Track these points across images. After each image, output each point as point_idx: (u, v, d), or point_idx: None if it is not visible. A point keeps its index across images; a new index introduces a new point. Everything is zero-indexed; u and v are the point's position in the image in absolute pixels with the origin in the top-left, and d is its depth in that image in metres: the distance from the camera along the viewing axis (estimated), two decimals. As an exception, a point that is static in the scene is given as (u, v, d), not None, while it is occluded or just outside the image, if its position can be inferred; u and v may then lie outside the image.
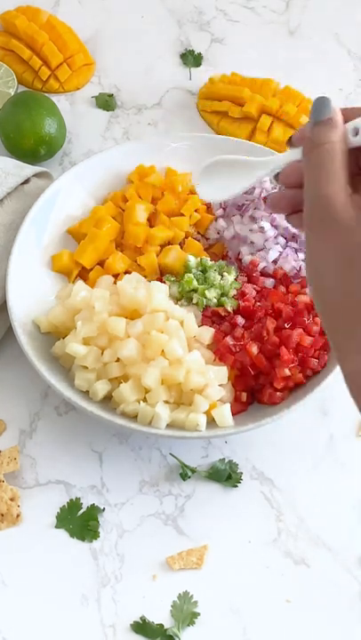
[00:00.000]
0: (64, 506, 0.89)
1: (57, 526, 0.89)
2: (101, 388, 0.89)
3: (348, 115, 0.58)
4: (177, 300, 0.96)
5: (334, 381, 0.91)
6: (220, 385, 0.89)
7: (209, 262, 0.97)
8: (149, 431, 0.86)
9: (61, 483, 0.91)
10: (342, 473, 0.93)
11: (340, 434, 0.95)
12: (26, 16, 1.21)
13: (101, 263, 1.00)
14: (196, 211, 1.03)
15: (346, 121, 0.57)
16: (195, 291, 0.96)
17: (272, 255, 0.98)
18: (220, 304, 0.95)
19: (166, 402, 0.88)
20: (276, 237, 1.00)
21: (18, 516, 0.88)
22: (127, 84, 1.22)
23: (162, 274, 0.99)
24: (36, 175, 1.05)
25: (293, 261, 0.98)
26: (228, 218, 1.04)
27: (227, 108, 1.15)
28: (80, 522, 0.89)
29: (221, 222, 1.03)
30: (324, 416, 0.96)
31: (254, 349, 0.90)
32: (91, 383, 0.89)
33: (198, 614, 0.84)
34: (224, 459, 0.92)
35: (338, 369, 0.89)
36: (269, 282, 0.97)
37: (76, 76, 1.21)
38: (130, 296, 0.91)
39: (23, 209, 1.01)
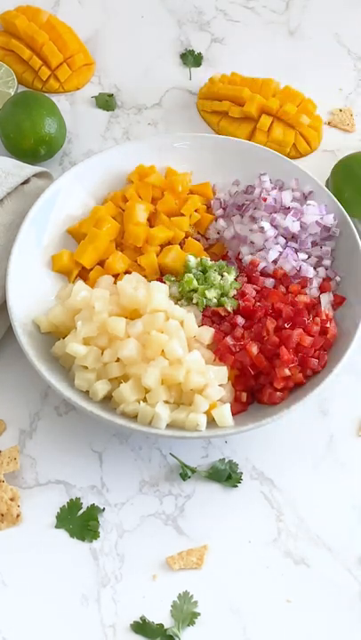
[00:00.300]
0: (64, 506, 0.89)
1: (57, 526, 0.89)
2: (101, 388, 0.89)
3: None
4: (177, 299, 0.96)
5: (334, 381, 0.92)
6: (220, 385, 0.89)
7: (209, 262, 0.97)
8: (149, 431, 0.86)
9: (61, 483, 0.91)
10: (342, 473, 0.93)
11: (340, 434, 0.95)
12: (26, 16, 1.21)
13: (101, 263, 1.00)
14: (196, 211, 1.03)
15: None
16: (195, 291, 0.96)
17: (272, 255, 0.98)
18: (220, 304, 0.95)
19: (166, 402, 0.88)
20: (276, 237, 1.00)
21: (18, 516, 0.88)
22: (127, 83, 1.22)
23: (162, 274, 0.99)
24: (36, 175, 1.05)
25: (293, 261, 0.98)
26: (228, 218, 1.04)
27: (227, 108, 1.15)
28: (80, 522, 0.89)
29: (221, 222, 1.03)
30: (324, 416, 0.96)
31: (254, 349, 0.90)
32: (91, 383, 0.89)
33: (198, 614, 0.84)
34: (224, 459, 0.92)
35: (338, 369, 0.89)
36: (269, 282, 0.97)
37: (76, 75, 1.21)
38: (130, 296, 0.91)
39: (23, 209, 1.01)
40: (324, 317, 0.94)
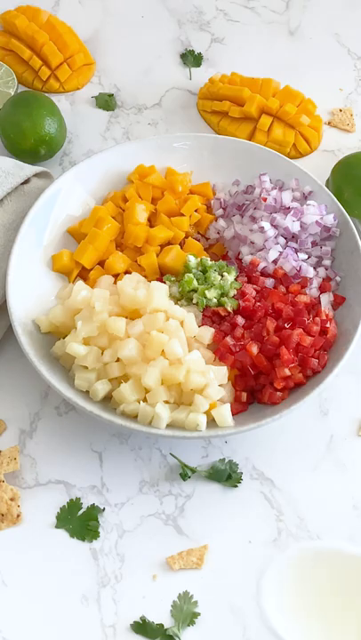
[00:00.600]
0: (64, 506, 0.89)
1: (57, 526, 0.89)
2: (101, 388, 0.89)
3: None
4: (177, 299, 0.96)
5: (334, 381, 0.92)
6: (220, 385, 0.89)
7: (209, 262, 0.97)
8: (149, 431, 0.86)
9: (61, 483, 0.91)
10: (342, 473, 0.93)
11: (340, 434, 0.95)
12: (26, 16, 1.21)
13: (101, 263, 1.00)
14: (196, 211, 1.03)
15: None
16: (195, 291, 0.96)
17: (272, 255, 0.98)
18: (220, 304, 0.95)
19: (166, 402, 0.88)
20: (276, 237, 1.00)
21: (18, 516, 0.88)
22: (127, 83, 1.22)
23: (162, 274, 0.99)
24: (36, 175, 1.05)
25: (293, 261, 0.98)
26: (228, 218, 1.04)
27: (227, 108, 1.15)
28: (80, 522, 0.89)
29: (221, 222, 1.03)
30: (324, 416, 0.96)
31: (254, 349, 0.90)
32: (91, 383, 0.89)
33: (198, 614, 0.84)
34: (224, 459, 0.92)
35: (338, 369, 0.89)
36: (269, 282, 0.97)
37: (76, 76, 1.21)
38: (130, 296, 0.91)
39: (23, 209, 1.01)
40: (324, 317, 0.94)
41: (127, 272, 0.99)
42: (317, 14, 1.31)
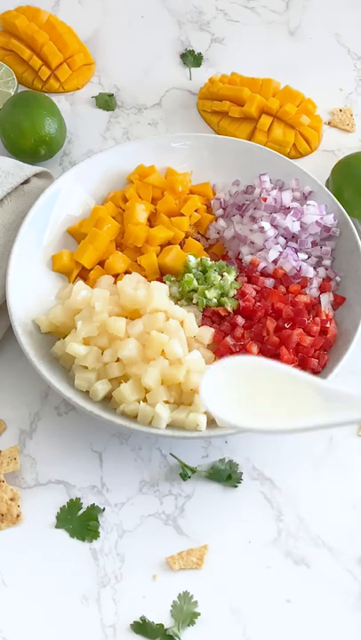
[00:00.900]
0: (64, 506, 0.89)
1: (57, 526, 0.89)
2: (101, 388, 0.89)
3: None
4: (177, 299, 0.96)
5: (334, 381, 0.91)
6: (220, 385, 0.89)
7: (209, 262, 0.97)
8: (149, 431, 0.86)
9: (61, 483, 0.91)
10: (343, 473, 0.93)
11: (340, 434, 0.95)
12: (26, 16, 1.21)
13: (101, 263, 1.00)
14: (196, 211, 1.03)
15: None
16: (195, 291, 0.96)
17: (272, 255, 0.98)
18: (220, 304, 0.95)
19: (166, 402, 0.88)
20: (276, 237, 1.00)
21: (18, 516, 0.88)
22: (127, 83, 1.22)
23: (162, 274, 0.99)
24: (36, 175, 1.05)
25: (293, 261, 0.98)
26: (228, 218, 1.04)
27: (227, 108, 1.15)
28: (80, 522, 0.89)
29: (221, 222, 1.03)
30: (324, 416, 0.96)
31: (254, 349, 0.90)
32: (91, 383, 0.89)
33: (198, 614, 0.84)
34: (224, 459, 0.92)
35: (338, 369, 0.89)
36: (269, 282, 0.97)
37: (76, 76, 1.21)
38: (130, 296, 0.91)
39: (23, 209, 1.01)
40: (324, 317, 0.94)
41: (127, 272, 0.99)
42: (317, 14, 1.31)
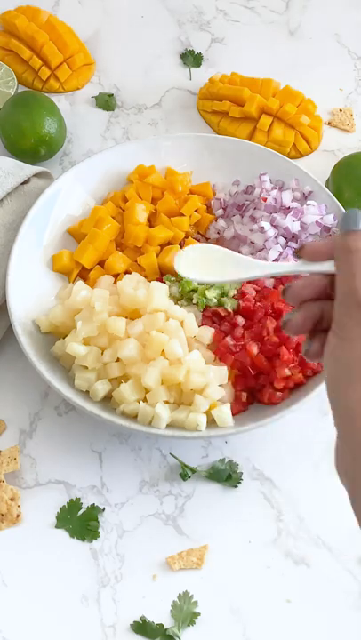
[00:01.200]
0: (64, 506, 0.89)
1: (57, 526, 0.89)
2: (101, 388, 0.89)
3: None
4: (177, 299, 0.96)
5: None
6: (220, 385, 0.89)
7: (209, 262, 0.97)
8: (149, 431, 0.86)
9: (61, 483, 0.91)
10: (342, 473, 0.93)
11: (340, 434, 0.95)
12: (26, 16, 1.21)
13: (101, 263, 1.00)
14: (196, 211, 1.03)
15: None
16: (195, 291, 0.96)
17: (272, 255, 0.98)
18: (220, 304, 0.95)
19: (166, 402, 0.88)
20: (276, 237, 1.00)
21: (18, 516, 0.88)
22: (127, 83, 1.22)
23: (162, 274, 0.99)
24: (36, 175, 1.05)
25: (294, 261, 0.98)
26: (228, 218, 1.04)
27: (227, 108, 1.15)
28: (80, 522, 0.89)
29: (221, 222, 1.03)
30: (324, 416, 0.96)
31: (254, 349, 0.90)
32: (91, 383, 0.89)
33: (198, 614, 0.84)
34: (224, 459, 0.92)
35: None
36: (269, 282, 0.97)
37: (76, 76, 1.21)
38: (130, 296, 0.91)
39: (23, 209, 1.01)
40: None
41: (127, 272, 0.99)
42: (317, 14, 1.31)
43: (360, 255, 0.59)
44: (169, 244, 1.01)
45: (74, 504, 0.89)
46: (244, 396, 0.91)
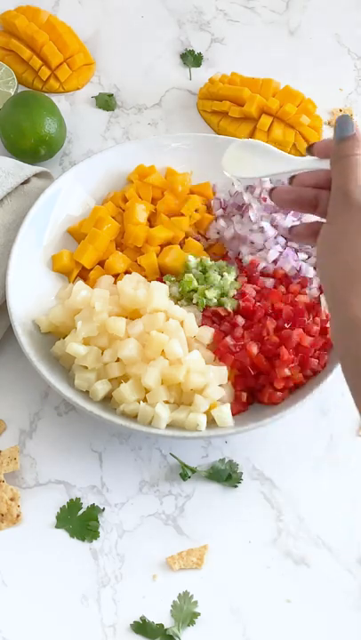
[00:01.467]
0: (64, 506, 0.89)
1: (57, 526, 0.89)
2: (101, 388, 0.89)
3: None
4: (177, 299, 0.96)
5: (334, 381, 0.91)
6: (220, 385, 0.89)
7: (209, 262, 0.97)
8: (149, 431, 0.86)
9: (61, 483, 0.91)
10: (342, 473, 0.93)
11: (340, 434, 0.95)
12: (26, 16, 1.21)
13: (101, 263, 1.00)
14: (196, 211, 1.03)
15: None
16: (195, 291, 0.96)
17: (272, 255, 0.98)
18: (220, 304, 0.95)
19: (166, 402, 0.88)
20: (276, 237, 1.00)
21: (18, 516, 0.88)
22: (127, 83, 1.22)
23: (162, 274, 0.99)
24: (36, 175, 1.05)
25: (293, 261, 0.98)
26: (228, 218, 1.04)
27: (227, 108, 1.15)
28: (80, 522, 0.89)
29: (221, 222, 1.03)
30: (324, 416, 0.96)
31: (254, 349, 0.90)
32: (91, 383, 0.89)
33: (198, 614, 0.84)
34: (224, 459, 0.92)
35: (338, 369, 0.89)
36: (269, 282, 0.97)
37: (76, 76, 1.21)
38: (130, 296, 0.91)
39: (23, 209, 1.01)
40: (324, 317, 0.94)
41: (127, 272, 0.99)
42: (317, 14, 1.31)
43: (352, 160, 0.69)
44: (169, 243, 1.01)
45: (74, 504, 0.89)
46: (244, 396, 0.91)
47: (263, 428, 0.87)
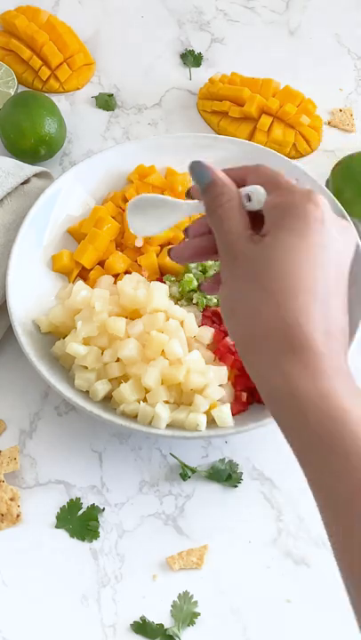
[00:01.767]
0: (64, 506, 0.89)
1: (57, 526, 0.89)
2: (101, 388, 0.89)
3: (238, 174, 0.65)
4: (177, 299, 0.96)
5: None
6: (220, 385, 0.89)
7: (209, 262, 0.97)
8: (149, 431, 0.86)
9: (61, 483, 0.91)
10: (342, 473, 0.93)
11: (340, 434, 0.95)
12: (26, 16, 1.21)
13: (101, 263, 1.00)
14: (196, 211, 1.03)
15: (239, 179, 0.64)
16: (195, 291, 0.96)
17: (272, 255, 0.98)
18: (220, 304, 0.95)
19: (166, 402, 0.88)
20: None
21: (18, 516, 0.88)
22: (127, 83, 1.22)
23: (162, 274, 0.99)
24: (36, 175, 1.05)
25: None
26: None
27: (227, 108, 1.15)
28: (80, 522, 0.89)
29: (221, 222, 1.03)
30: (324, 416, 0.96)
31: (254, 349, 0.90)
32: (91, 383, 0.89)
33: (198, 614, 0.84)
34: (224, 459, 0.92)
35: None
36: (269, 282, 0.97)
37: (76, 76, 1.21)
38: (130, 296, 0.91)
39: (23, 209, 1.01)
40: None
41: (127, 272, 0.99)
42: (317, 14, 1.31)
43: (220, 212, 0.62)
44: (169, 243, 1.01)
45: (74, 504, 0.89)
46: (244, 395, 0.91)
47: (263, 427, 0.87)
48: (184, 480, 0.91)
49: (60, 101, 1.19)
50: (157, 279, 0.98)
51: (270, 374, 0.57)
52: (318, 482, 0.57)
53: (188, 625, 0.83)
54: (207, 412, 0.88)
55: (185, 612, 0.84)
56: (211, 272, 0.96)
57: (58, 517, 0.89)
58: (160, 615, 0.84)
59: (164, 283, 0.96)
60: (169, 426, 0.87)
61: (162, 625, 0.83)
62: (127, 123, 1.19)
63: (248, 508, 0.90)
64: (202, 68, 1.24)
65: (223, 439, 0.94)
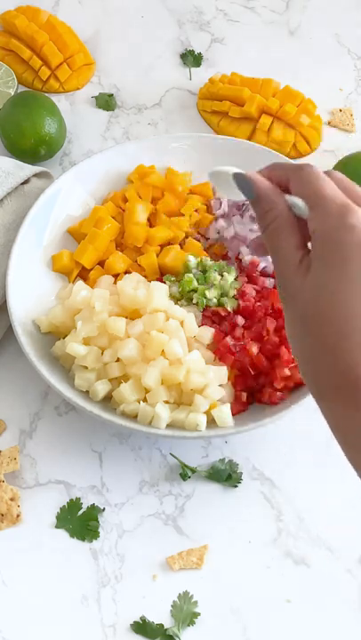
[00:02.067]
0: (64, 506, 0.89)
1: (57, 526, 0.89)
2: (101, 388, 0.89)
3: (282, 176, 0.62)
4: (177, 299, 0.96)
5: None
6: (220, 385, 0.89)
7: (209, 262, 0.97)
8: (149, 431, 0.86)
9: (61, 483, 0.91)
10: (342, 473, 0.93)
11: (340, 434, 0.95)
12: (26, 16, 1.21)
13: (101, 263, 1.00)
14: (196, 211, 1.03)
15: (285, 179, 0.62)
16: (195, 291, 0.96)
17: (272, 255, 0.98)
18: (220, 304, 0.95)
19: (166, 402, 0.88)
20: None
21: (18, 516, 0.88)
22: (127, 83, 1.22)
23: (162, 274, 0.99)
24: (36, 175, 1.05)
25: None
26: (228, 218, 1.04)
27: (227, 108, 1.15)
28: (80, 522, 0.89)
29: (221, 222, 1.03)
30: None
31: (254, 349, 0.90)
32: (91, 383, 0.89)
33: (198, 614, 0.84)
34: (224, 459, 0.92)
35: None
36: (269, 282, 0.97)
37: (76, 76, 1.21)
38: (130, 296, 0.91)
39: (23, 209, 1.01)
40: (324, 317, 0.94)
41: (127, 272, 0.99)
42: (317, 14, 1.31)
43: (273, 227, 0.59)
44: (169, 243, 1.01)
45: (74, 504, 0.89)
46: (244, 395, 0.91)
47: (263, 427, 0.87)
48: (184, 480, 0.91)
49: (60, 101, 1.19)
50: (157, 279, 0.98)
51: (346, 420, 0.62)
52: None
53: (188, 625, 0.83)
54: (207, 412, 0.88)
55: (185, 612, 0.84)
56: (211, 272, 0.96)
57: (58, 517, 0.89)
58: (160, 615, 0.84)
59: (164, 283, 0.96)
60: (169, 426, 0.87)
61: (162, 625, 0.83)
62: (127, 123, 1.19)
63: (248, 508, 0.90)
64: (202, 68, 1.24)
65: (223, 439, 0.94)
